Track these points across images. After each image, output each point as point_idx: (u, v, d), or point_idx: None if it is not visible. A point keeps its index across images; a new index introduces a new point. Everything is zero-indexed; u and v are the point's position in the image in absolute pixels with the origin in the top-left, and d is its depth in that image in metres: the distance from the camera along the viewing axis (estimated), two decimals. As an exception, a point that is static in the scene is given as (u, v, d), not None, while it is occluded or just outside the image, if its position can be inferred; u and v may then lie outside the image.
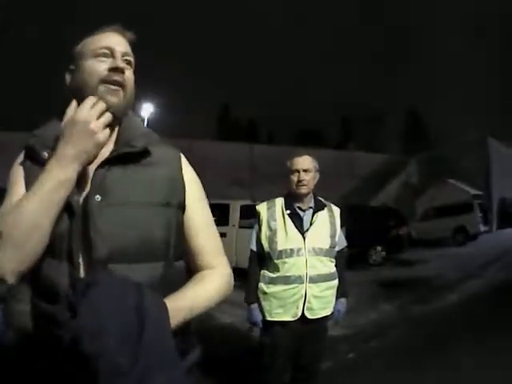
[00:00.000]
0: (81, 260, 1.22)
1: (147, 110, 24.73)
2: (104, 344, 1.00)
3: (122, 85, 1.34)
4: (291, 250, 3.24)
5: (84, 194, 1.26)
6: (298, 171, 3.31)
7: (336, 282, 3.35)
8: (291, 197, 3.40)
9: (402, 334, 6.30)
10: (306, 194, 3.33)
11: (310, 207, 3.37)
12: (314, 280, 3.22)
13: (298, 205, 3.35)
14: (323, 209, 3.37)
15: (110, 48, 1.36)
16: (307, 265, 3.21)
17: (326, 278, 3.27)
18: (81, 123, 1.24)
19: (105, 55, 1.35)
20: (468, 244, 17.85)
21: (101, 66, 1.33)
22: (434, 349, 5.32)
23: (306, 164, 3.33)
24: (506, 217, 22.62)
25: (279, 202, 3.44)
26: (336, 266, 3.40)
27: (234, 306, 4.62)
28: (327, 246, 3.28)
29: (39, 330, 1.23)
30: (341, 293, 3.45)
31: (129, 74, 1.37)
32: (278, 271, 3.26)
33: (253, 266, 3.45)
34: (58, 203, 1.20)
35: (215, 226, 1.53)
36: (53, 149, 1.27)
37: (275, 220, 3.37)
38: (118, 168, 1.30)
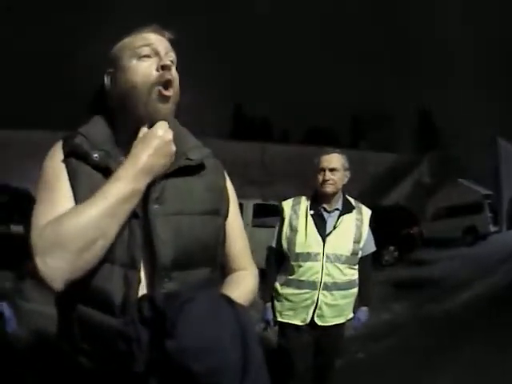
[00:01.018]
0: (142, 268, 1.23)
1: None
2: (219, 360, 0.99)
3: (171, 84, 1.30)
4: (308, 253, 3.10)
5: (140, 203, 1.25)
6: (324, 170, 3.14)
7: (355, 290, 3.20)
8: (317, 196, 3.23)
9: (414, 333, 6.31)
10: (333, 194, 3.15)
11: (337, 209, 3.19)
12: (329, 288, 3.09)
13: (323, 205, 3.18)
14: (351, 211, 3.19)
15: (151, 47, 1.33)
16: (323, 271, 3.08)
17: (342, 286, 3.11)
18: (164, 141, 1.25)
19: (148, 55, 1.32)
20: (478, 244, 17.71)
21: (148, 67, 1.30)
22: (445, 348, 5.33)
23: (332, 162, 3.16)
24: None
25: (305, 200, 3.28)
26: (360, 271, 3.23)
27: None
28: (348, 253, 3.10)
29: (90, 338, 1.20)
30: (362, 300, 3.32)
31: (174, 72, 1.34)
32: (293, 274, 3.16)
33: (271, 264, 3.40)
34: (126, 213, 1.20)
35: (244, 231, 1.60)
36: (104, 150, 1.27)
37: (297, 219, 3.22)
38: (174, 179, 1.32)
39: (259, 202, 11.88)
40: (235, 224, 1.51)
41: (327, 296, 3.10)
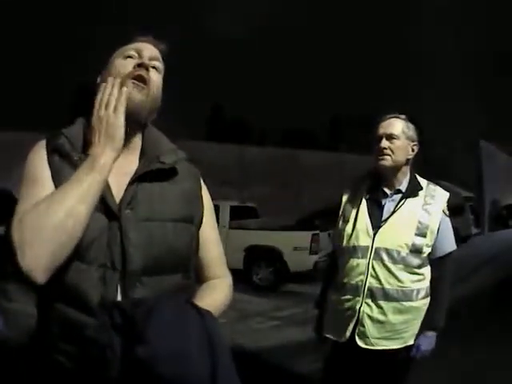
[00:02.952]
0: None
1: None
2: (188, 367, 1.01)
3: (145, 82, 1.37)
4: (354, 248, 2.50)
5: (115, 206, 1.29)
6: (381, 137, 2.53)
7: (418, 305, 2.46)
8: (376, 176, 2.63)
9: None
10: (392, 171, 2.53)
11: (399, 191, 2.54)
12: (375, 296, 2.42)
13: (383, 187, 2.57)
14: (417, 194, 2.52)
15: (137, 49, 1.43)
16: (368, 272, 2.44)
17: (395, 296, 2.41)
18: (104, 119, 1.25)
19: (132, 56, 1.42)
20: (460, 246, 17.87)
21: (128, 64, 1.39)
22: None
23: (390, 128, 2.53)
24: (498, 219, 22.75)
25: (366, 181, 2.67)
26: (432, 278, 2.54)
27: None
28: (406, 250, 2.41)
29: (67, 338, 1.21)
30: (429, 321, 2.50)
31: (154, 76, 1.41)
32: (339, 274, 2.60)
33: (328, 266, 2.88)
34: (95, 192, 1.20)
35: (220, 239, 1.61)
36: (85, 154, 1.29)
37: (351, 206, 2.61)
38: (147, 183, 1.35)
39: (236, 203, 11.82)
40: (210, 232, 1.52)
41: (372, 307, 2.43)
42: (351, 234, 2.52)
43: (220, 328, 1.13)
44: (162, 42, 1.51)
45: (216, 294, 1.48)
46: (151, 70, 1.41)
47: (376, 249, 2.43)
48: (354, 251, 2.49)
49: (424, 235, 2.43)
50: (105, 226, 1.25)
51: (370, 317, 2.41)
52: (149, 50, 1.44)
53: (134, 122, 1.38)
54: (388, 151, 2.49)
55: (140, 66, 1.38)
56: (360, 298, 2.44)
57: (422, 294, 2.46)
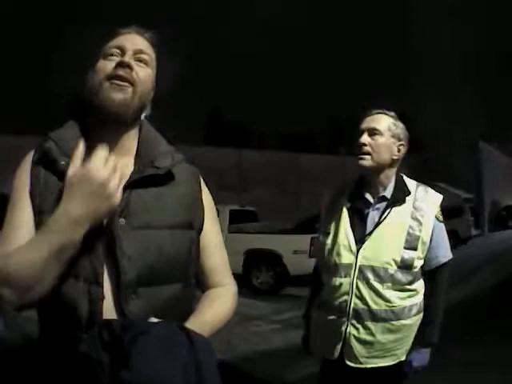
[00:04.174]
0: (107, 283, 1.20)
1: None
2: None
3: (128, 81, 1.27)
4: (336, 266, 2.23)
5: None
6: (363, 132, 2.24)
7: (411, 321, 2.23)
8: (359, 180, 2.34)
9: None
10: (372, 172, 2.24)
11: (384, 197, 2.24)
12: (361, 317, 2.18)
13: (365, 194, 2.27)
14: (404, 200, 2.21)
15: (120, 46, 1.32)
16: (353, 293, 2.18)
17: (383, 316, 2.17)
18: (97, 184, 1.14)
19: (115, 54, 1.32)
20: (460, 247, 17.91)
21: (108, 65, 1.29)
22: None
23: (373, 122, 2.24)
24: (498, 220, 22.78)
25: (349, 187, 2.36)
26: (428, 292, 2.31)
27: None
28: (394, 267, 2.15)
29: (62, 348, 1.18)
30: (422, 337, 2.28)
31: (141, 71, 1.31)
32: (324, 292, 2.34)
33: (311, 283, 2.60)
34: (68, 256, 1.14)
35: (223, 244, 1.53)
36: (70, 157, 1.21)
37: (332, 217, 2.32)
38: (141, 190, 1.28)
39: (235, 207, 11.82)
40: (212, 237, 1.45)
41: (359, 329, 2.19)
42: (332, 250, 2.26)
43: (212, 353, 1.10)
44: (148, 30, 1.40)
45: (218, 305, 1.39)
46: (136, 65, 1.31)
47: (360, 267, 2.16)
48: (335, 270, 2.22)
49: (414, 248, 2.16)
50: (96, 238, 1.20)
51: (356, 338, 2.19)
52: (133, 43, 1.33)
53: (120, 123, 1.30)
54: (368, 148, 2.19)
55: (121, 65, 1.27)
56: (345, 319, 2.20)
57: (415, 310, 2.24)
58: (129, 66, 1.28)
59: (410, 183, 2.29)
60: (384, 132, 2.21)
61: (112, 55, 1.31)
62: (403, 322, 2.19)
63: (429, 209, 2.21)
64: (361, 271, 2.16)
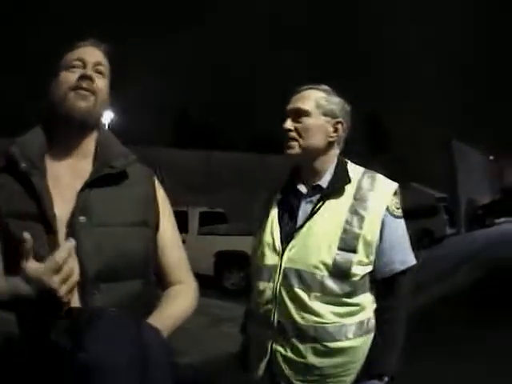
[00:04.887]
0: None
1: (107, 116, 24.33)
2: (116, 381, 1.02)
3: (90, 91, 1.39)
4: (260, 267, 1.88)
5: (67, 213, 1.30)
6: (287, 116, 1.85)
7: (354, 343, 1.74)
8: (294, 169, 1.96)
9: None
10: (303, 161, 1.87)
11: (318, 187, 1.84)
12: (286, 333, 1.76)
13: (297, 184, 1.89)
14: (342, 190, 1.79)
15: (81, 59, 1.43)
16: (276, 301, 1.79)
17: (312, 335, 1.73)
18: (48, 288, 1.11)
19: (76, 66, 1.42)
20: (437, 246, 18.09)
21: (71, 76, 1.40)
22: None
23: (298, 102, 1.85)
24: (475, 219, 23.10)
25: (283, 178, 1.99)
26: (382, 309, 1.81)
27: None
28: (325, 271, 1.72)
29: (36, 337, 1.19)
30: (374, 366, 1.75)
31: (100, 82, 1.43)
32: (251, 300, 1.99)
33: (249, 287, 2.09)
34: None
35: (181, 241, 1.58)
36: (31, 161, 1.31)
37: (264, 212, 1.96)
38: (99, 189, 1.36)
39: (205, 209, 11.81)
40: (169, 235, 1.51)
41: (285, 347, 1.77)
42: (257, 250, 1.92)
43: (163, 342, 1.14)
44: (102, 43, 1.51)
45: (178, 302, 1.44)
46: (96, 76, 1.42)
47: (284, 270, 1.77)
48: (260, 272, 1.87)
49: (353, 249, 1.72)
50: (47, 237, 1.26)
51: (283, 356, 1.78)
52: (92, 56, 1.45)
53: (83, 129, 1.42)
54: (293, 134, 1.82)
55: (83, 77, 1.39)
56: (271, 333, 1.80)
57: (359, 330, 1.76)
58: (90, 78, 1.40)
59: (355, 170, 1.90)
60: (312, 111, 1.81)
61: (74, 67, 1.42)
62: (342, 344, 1.72)
63: (377, 200, 1.77)
64: (285, 275, 1.76)
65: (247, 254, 9.80)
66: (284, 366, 1.77)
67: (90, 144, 1.45)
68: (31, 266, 1.14)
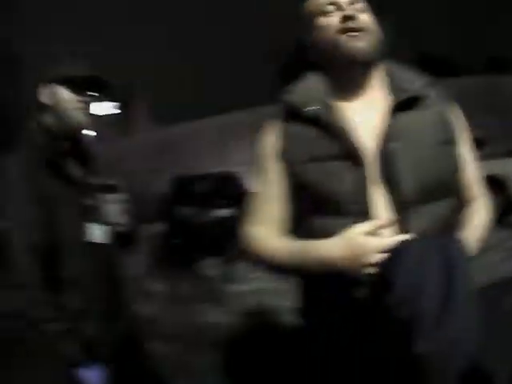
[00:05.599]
0: (382, 208, 1.25)
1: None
2: (423, 305, 1.01)
3: (359, 30, 1.32)
4: None
5: (372, 145, 1.29)
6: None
7: None
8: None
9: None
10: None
11: None
12: None
13: None
14: None
15: (333, 2, 1.37)
16: None
17: None
18: (365, 254, 1.15)
19: (331, 11, 1.37)
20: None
21: (331, 21, 1.35)
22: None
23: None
24: None
25: None
26: None
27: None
28: None
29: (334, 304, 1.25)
30: None
31: (364, 18, 1.36)
32: None
33: None
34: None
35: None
36: (322, 102, 1.32)
37: None
38: (400, 114, 1.31)
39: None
40: (465, 153, 1.44)
41: None
42: None
43: (467, 258, 1.11)
44: None
45: (481, 213, 1.42)
46: (358, 14, 1.34)
47: None
48: None
49: None
50: (352, 172, 1.26)
51: None
52: None
53: (367, 68, 1.37)
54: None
55: (347, 18, 1.33)
56: None
57: None
58: (353, 17, 1.33)
59: None
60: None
61: (329, 12, 1.36)
62: None
63: None
64: None
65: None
66: None
67: (376, 76, 1.39)
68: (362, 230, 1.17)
